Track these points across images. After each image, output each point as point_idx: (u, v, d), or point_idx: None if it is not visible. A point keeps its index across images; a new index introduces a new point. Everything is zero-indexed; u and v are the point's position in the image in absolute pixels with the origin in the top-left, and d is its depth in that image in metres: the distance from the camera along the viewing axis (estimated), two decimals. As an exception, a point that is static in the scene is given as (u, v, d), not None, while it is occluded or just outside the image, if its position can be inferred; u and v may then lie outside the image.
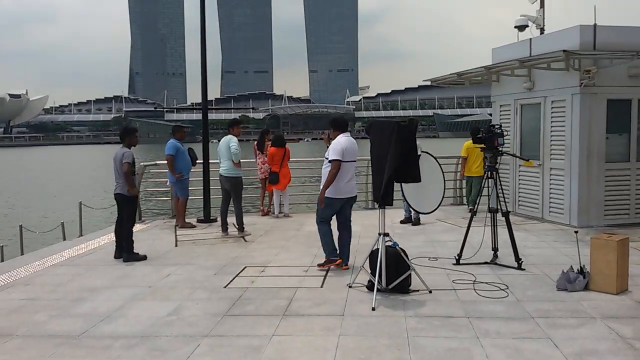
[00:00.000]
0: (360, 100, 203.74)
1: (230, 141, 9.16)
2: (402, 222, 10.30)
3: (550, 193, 9.92)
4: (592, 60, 9.14)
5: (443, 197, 8.49)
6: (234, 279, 6.54)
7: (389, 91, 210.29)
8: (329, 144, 6.95)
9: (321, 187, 6.73)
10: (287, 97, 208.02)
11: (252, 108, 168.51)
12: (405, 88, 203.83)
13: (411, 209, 9.66)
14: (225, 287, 6.22)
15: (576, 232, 6.25)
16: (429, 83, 14.59)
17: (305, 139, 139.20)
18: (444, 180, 8.51)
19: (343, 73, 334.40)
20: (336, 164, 6.51)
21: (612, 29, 9.48)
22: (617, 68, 9.21)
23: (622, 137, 9.57)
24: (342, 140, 6.65)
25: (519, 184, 10.75)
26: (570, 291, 5.76)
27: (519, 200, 10.74)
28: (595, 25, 9.39)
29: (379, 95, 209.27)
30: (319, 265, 6.97)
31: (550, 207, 9.91)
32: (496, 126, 7.33)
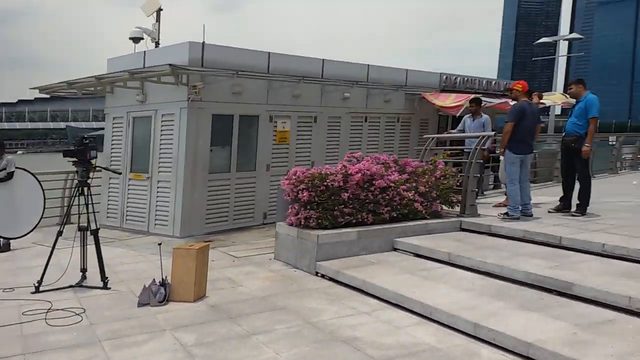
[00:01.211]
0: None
1: None
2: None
3: (157, 206, 9.91)
4: (200, 76, 9.46)
5: (41, 217, 7.58)
6: None
7: (16, 101, 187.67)
8: None
9: None
10: None
11: None
12: (35, 98, 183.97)
13: None
14: None
15: (159, 244, 6.21)
16: (44, 95, 13.36)
17: None
18: (44, 199, 7.61)
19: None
20: None
21: (219, 48, 9.99)
22: (222, 85, 9.76)
23: (224, 150, 10.18)
24: None
25: (128, 198, 10.46)
26: (152, 305, 5.64)
27: (127, 215, 10.43)
28: (203, 43, 9.73)
29: (2, 105, 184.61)
30: None
31: (155, 219, 9.88)
32: (88, 139, 6.88)
